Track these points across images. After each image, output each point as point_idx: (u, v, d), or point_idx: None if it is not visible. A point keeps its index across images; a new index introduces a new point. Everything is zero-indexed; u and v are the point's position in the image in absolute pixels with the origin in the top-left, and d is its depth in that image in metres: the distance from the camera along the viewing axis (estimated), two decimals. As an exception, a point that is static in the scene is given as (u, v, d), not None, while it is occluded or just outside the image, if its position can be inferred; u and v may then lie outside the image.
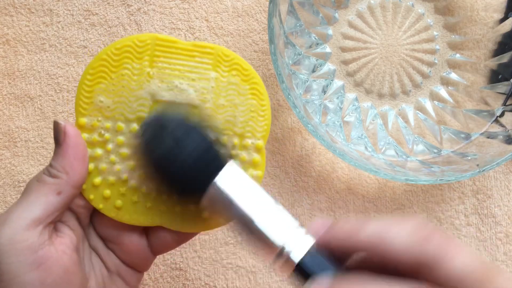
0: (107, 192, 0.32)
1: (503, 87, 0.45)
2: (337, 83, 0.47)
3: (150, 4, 0.47)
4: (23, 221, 0.28)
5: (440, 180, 0.41)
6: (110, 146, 0.32)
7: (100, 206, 0.32)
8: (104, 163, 0.32)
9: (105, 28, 0.47)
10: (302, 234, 0.28)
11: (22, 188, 0.46)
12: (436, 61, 0.47)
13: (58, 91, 0.47)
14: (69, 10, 0.47)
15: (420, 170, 0.44)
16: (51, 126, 0.46)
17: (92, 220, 0.33)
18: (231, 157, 0.30)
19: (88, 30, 0.47)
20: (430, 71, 0.47)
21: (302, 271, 0.27)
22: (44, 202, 0.29)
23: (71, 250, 0.30)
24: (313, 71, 0.46)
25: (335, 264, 0.27)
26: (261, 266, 0.46)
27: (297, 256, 0.27)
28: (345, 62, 0.47)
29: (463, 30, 0.47)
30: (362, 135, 0.46)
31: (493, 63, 0.46)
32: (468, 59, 0.47)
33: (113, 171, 0.32)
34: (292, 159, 0.47)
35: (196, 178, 0.29)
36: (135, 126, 0.32)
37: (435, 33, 0.47)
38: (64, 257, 0.29)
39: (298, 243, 0.27)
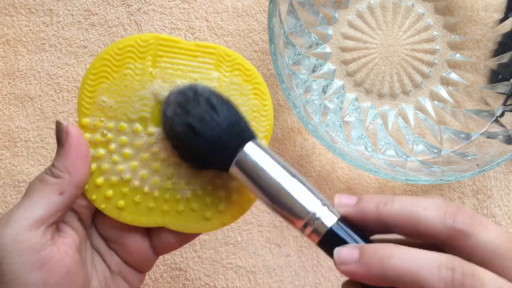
0: (110, 192, 0.32)
1: (503, 87, 0.45)
2: (337, 83, 0.47)
3: (150, 4, 0.47)
4: (26, 221, 0.28)
5: (440, 180, 0.41)
6: (112, 146, 0.32)
7: (102, 206, 0.32)
8: (107, 163, 0.32)
9: (105, 28, 0.47)
10: (330, 206, 0.28)
11: (22, 188, 0.46)
12: (436, 61, 0.47)
13: (58, 91, 0.47)
14: (69, 10, 0.47)
15: (420, 170, 0.44)
16: (51, 126, 0.46)
17: (94, 221, 0.33)
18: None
19: (88, 30, 0.47)
20: (430, 71, 0.47)
21: (331, 238, 0.27)
22: (47, 202, 0.29)
23: (74, 250, 0.30)
24: (313, 71, 0.46)
25: (361, 237, 0.27)
26: (261, 266, 0.46)
27: (327, 223, 0.27)
28: (345, 62, 0.47)
29: (463, 30, 0.47)
30: (362, 135, 0.46)
31: (493, 63, 0.46)
32: (468, 59, 0.47)
33: (115, 171, 0.32)
34: (292, 159, 0.47)
35: (229, 143, 0.29)
36: (137, 126, 0.32)
37: (435, 33, 0.47)
38: (67, 257, 0.29)
39: (327, 212, 0.28)
